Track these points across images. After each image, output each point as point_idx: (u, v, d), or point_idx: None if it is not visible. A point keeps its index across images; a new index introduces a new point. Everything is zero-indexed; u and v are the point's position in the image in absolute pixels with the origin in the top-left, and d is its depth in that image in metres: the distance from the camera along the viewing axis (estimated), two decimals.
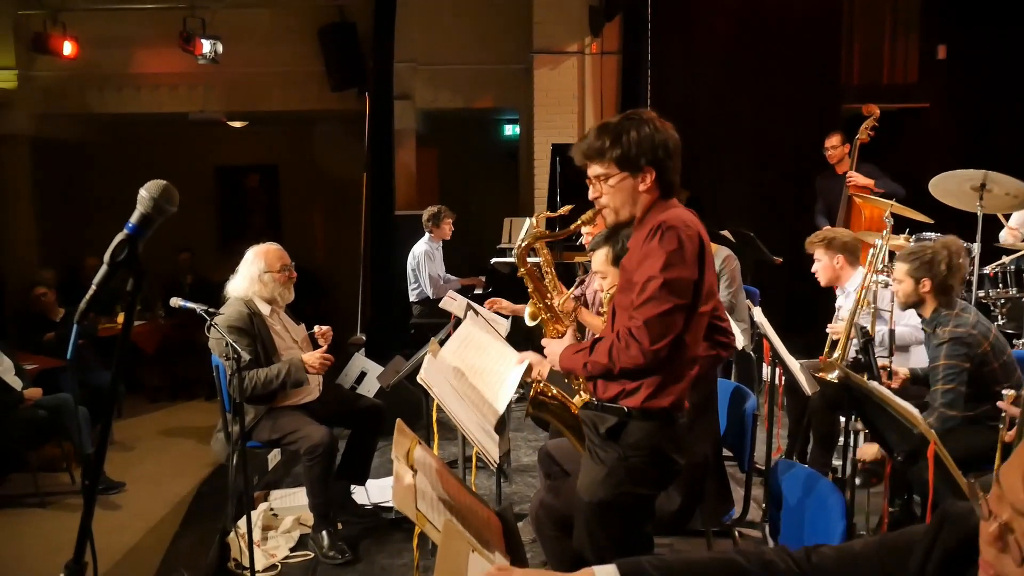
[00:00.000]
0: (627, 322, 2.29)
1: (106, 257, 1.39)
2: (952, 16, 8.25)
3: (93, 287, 1.38)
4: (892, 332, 4.12)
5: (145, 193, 1.43)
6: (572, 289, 4.25)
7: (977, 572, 1.20)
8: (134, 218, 1.42)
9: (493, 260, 7.28)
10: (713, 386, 3.08)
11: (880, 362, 3.77)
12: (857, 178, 6.40)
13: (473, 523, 2.12)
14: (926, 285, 3.55)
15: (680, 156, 2.43)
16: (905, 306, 3.72)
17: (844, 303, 4.55)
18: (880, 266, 4.25)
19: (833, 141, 6.73)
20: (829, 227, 4.92)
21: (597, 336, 2.44)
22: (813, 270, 4.64)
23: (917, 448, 2.32)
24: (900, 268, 3.64)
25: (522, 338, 4.90)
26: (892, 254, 4.41)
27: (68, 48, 8.55)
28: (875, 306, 4.17)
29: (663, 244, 2.25)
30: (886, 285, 4.07)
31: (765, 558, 1.50)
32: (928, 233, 5.24)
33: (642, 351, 2.24)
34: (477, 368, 3.16)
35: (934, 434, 2.28)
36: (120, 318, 7.64)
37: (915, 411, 2.44)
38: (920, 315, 3.70)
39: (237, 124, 10.62)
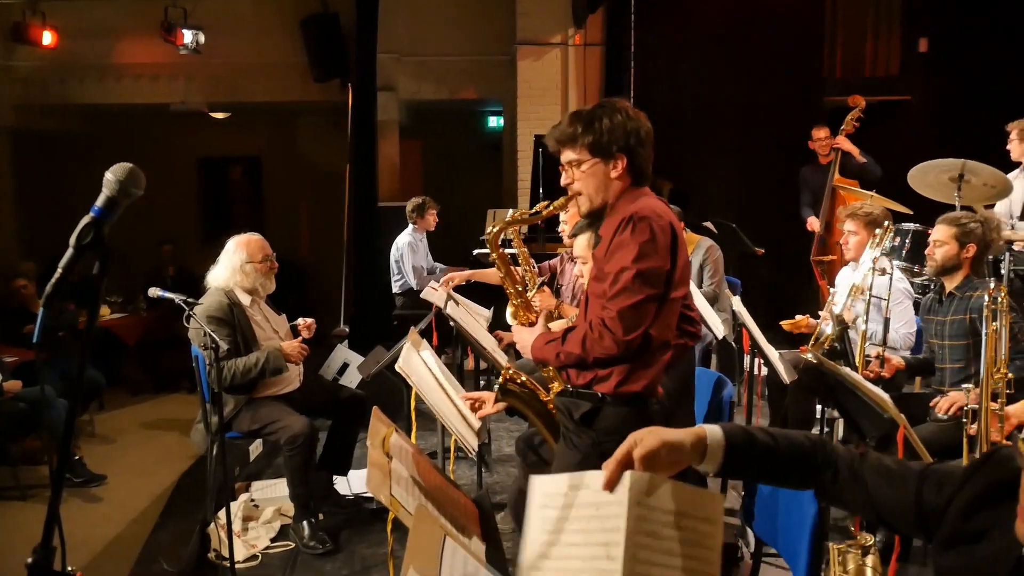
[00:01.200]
0: (600, 312, 2.31)
1: (72, 240, 1.39)
2: (934, 9, 8.31)
3: (59, 270, 1.38)
4: (887, 321, 4.08)
5: (111, 176, 1.43)
6: (540, 281, 4.25)
7: (999, 515, 1.26)
8: (100, 201, 1.41)
9: (476, 251, 7.29)
10: (690, 375, 3.10)
11: (875, 350, 3.75)
12: (844, 143, 6.51)
13: (448, 509, 2.12)
14: (970, 251, 3.53)
15: (652, 145, 2.45)
16: (939, 270, 3.65)
17: (841, 285, 4.47)
18: (879, 252, 4.20)
19: (820, 133, 6.81)
20: (865, 203, 4.84)
21: (569, 326, 2.45)
22: (843, 241, 4.51)
23: (888, 432, 2.34)
24: (945, 231, 3.58)
25: (504, 328, 4.92)
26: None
27: (48, 38, 8.47)
28: (871, 294, 4.12)
29: (635, 235, 2.28)
30: (883, 272, 4.03)
31: (836, 449, 1.54)
32: (908, 224, 5.27)
33: (615, 341, 2.25)
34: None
35: (903, 419, 2.30)
36: (103, 311, 7.61)
37: (885, 396, 2.46)
38: (939, 283, 3.65)
39: (219, 115, 10.57)
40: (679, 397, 3.11)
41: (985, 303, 2.93)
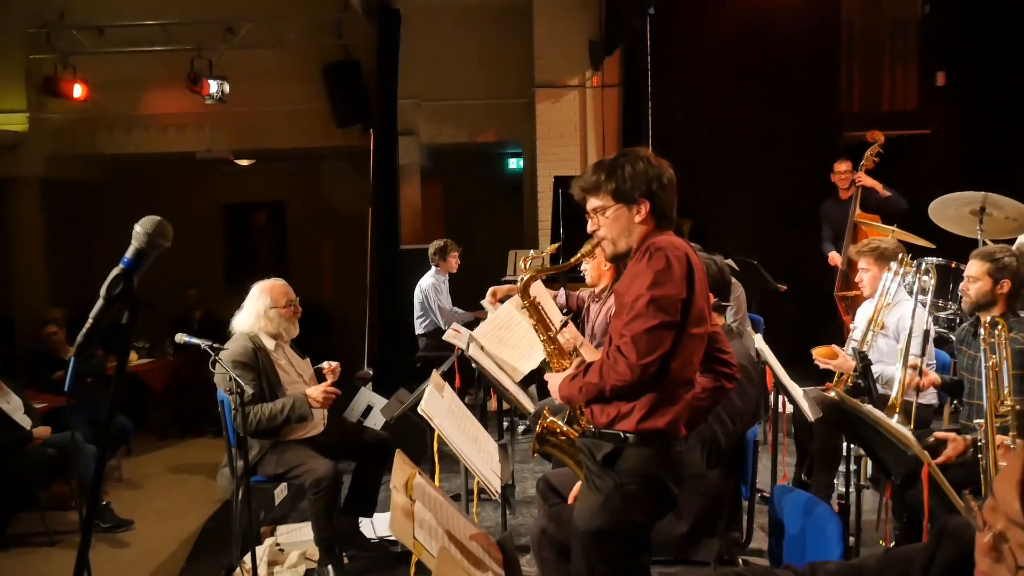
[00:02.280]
0: (617, 340, 2.34)
1: (102, 291, 1.43)
2: (950, 42, 8.32)
3: (90, 320, 1.42)
4: (927, 333, 4.02)
5: (139, 228, 1.47)
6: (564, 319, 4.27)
7: None
8: (129, 253, 1.46)
9: None
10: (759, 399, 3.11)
11: (912, 360, 3.70)
12: (865, 179, 6.50)
13: (471, 552, 2.13)
14: (1004, 287, 3.49)
15: (675, 190, 2.50)
16: (974, 307, 3.60)
17: (861, 321, 4.45)
18: (896, 284, 4.17)
19: (842, 167, 6.83)
20: (875, 238, 4.82)
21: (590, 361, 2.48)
22: (857, 279, 4.49)
23: (912, 470, 2.32)
24: (978, 267, 3.54)
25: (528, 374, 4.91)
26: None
27: (78, 90, 8.73)
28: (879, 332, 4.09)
29: (651, 264, 2.33)
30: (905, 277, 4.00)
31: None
32: (929, 258, 5.24)
33: (629, 366, 2.28)
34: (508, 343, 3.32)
35: (927, 455, 2.28)
36: (132, 357, 7.70)
37: (908, 433, 2.44)
38: (976, 317, 3.61)
39: (244, 162, 10.75)
40: (747, 420, 3.14)
41: (982, 335, 2.91)
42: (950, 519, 1.40)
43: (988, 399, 2.77)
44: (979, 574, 1.19)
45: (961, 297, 4.65)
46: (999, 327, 2.96)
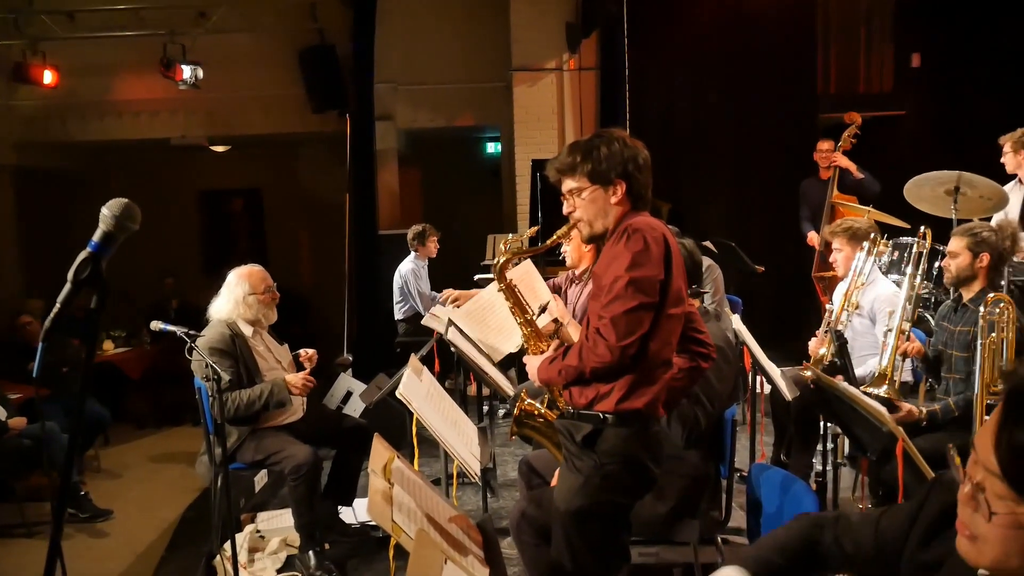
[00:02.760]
0: (595, 322, 2.34)
1: (70, 275, 1.41)
2: (925, 24, 8.37)
3: (58, 305, 1.40)
4: (916, 298, 4.04)
5: (107, 211, 1.45)
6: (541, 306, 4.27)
7: (956, 535, 1.27)
8: (97, 236, 1.43)
9: (477, 276, 7.31)
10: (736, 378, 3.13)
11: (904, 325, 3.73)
12: (840, 160, 6.55)
13: (451, 534, 2.13)
14: (984, 260, 3.52)
15: (650, 171, 2.50)
16: (955, 281, 3.64)
17: (837, 300, 4.48)
18: (871, 264, 4.20)
19: (824, 145, 6.88)
20: (848, 218, 4.83)
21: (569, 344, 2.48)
22: (832, 260, 4.52)
23: (887, 446, 2.34)
24: (958, 242, 3.58)
25: (506, 357, 4.90)
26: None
27: (48, 77, 8.56)
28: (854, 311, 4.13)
29: (629, 245, 2.32)
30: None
31: (820, 522, 1.63)
32: (905, 238, 5.28)
33: (608, 347, 2.28)
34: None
35: (902, 431, 2.30)
36: (107, 346, 7.63)
37: (883, 409, 2.47)
38: (959, 293, 3.64)
39: (219, 148, 10.65)
40: (726, 400, 3.16)
41: (981, 313, 2.93)
42: (945, 473, 1.44)
43: (982, 375, 2.78)
44: (959, 523, 1.24)
45: (936, 275, 4.71)
46: (1003, 304, 2.97)
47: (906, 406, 3.28)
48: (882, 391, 3.26)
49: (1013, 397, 1.18)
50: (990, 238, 3.54)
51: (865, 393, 3.04)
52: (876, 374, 3.54)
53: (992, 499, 1.17)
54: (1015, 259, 4.74)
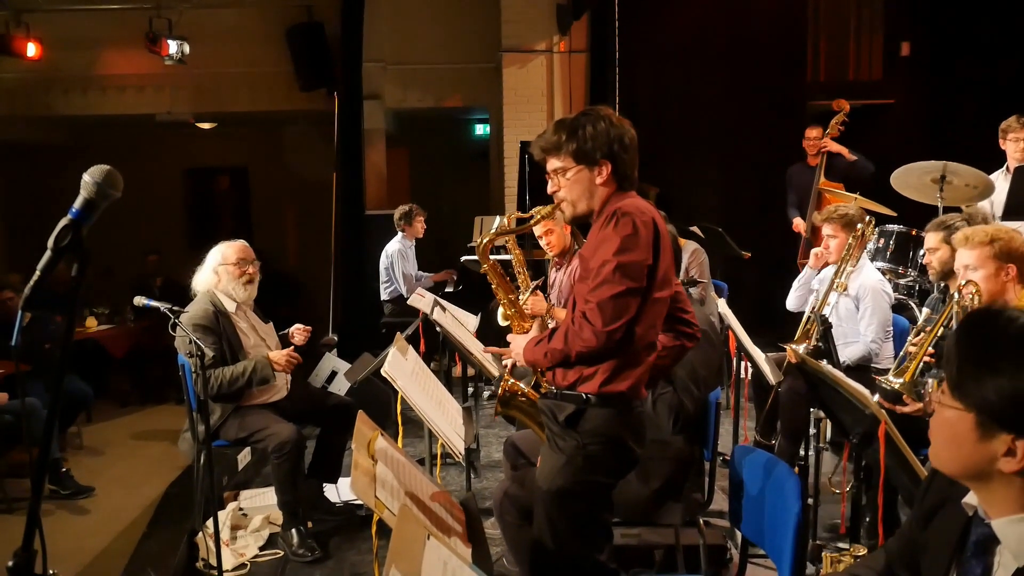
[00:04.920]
0: (582, 306, 2.32)
1: (50, 243, 1.39)
2: (915, 13, 8.37)
3: (37, 272, 1.38)
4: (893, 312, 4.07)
5: (88, 178, 1.42)
6: (534, 284, 4.27)
7: (953, 490, 1.46)
8: (77, 203, 1.41)
9: (464, 258, 7.30)
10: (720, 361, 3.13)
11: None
12: (832, 145, 6.57)
13: (433, 511, 2.13)
14: None
15: (637, 151, 2.47)
16: (940, 276, 3.66)
17: (823, 284, 4.49)
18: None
19: (813, 132, 6.88)
20: (840, 204, 4.83)
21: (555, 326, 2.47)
22: (824, 246, 4.49)
23: (870, 429, 2.36)
24: (935, 237, 3.60)
25: (493, 334, 4.92)
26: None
27: (32, 50, 8.43)
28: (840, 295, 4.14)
29: (618, 229, 2.30)
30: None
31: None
32: (891, 226, 5.31)
33: (595, 332, 2.26)
34: None
35: (885, 414, 2.32)
36: (90, 323, 7.57)
37: (866, 392, 2.48)
38: (945, 285, 3.66)
39: (205, 125, 10.55)
40: (711, 384, 3.17)
41: (956, 299, 2.94)
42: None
43: None
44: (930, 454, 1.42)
45: (922, 267, 4.73)
46: (975, 290, 2.97)
47: (915, 404, 3.27)
48: (897, 384, 3.26)
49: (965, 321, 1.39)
50: (963, 227, 3.57)
51: (879, 383, 3.06)
52: (898, 367, 3.53)
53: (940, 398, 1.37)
54: None
